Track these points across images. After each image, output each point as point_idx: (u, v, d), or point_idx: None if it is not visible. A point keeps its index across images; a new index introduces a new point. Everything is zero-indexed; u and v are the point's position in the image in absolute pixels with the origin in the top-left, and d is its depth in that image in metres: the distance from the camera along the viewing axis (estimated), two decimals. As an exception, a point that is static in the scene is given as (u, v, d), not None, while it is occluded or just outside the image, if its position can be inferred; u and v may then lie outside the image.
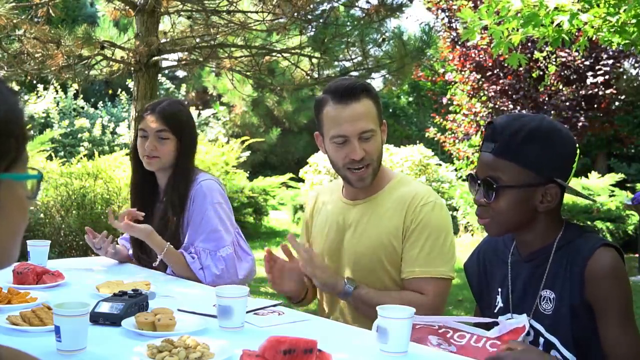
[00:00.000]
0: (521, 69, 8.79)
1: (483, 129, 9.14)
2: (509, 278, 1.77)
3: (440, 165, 11.27)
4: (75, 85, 11.06)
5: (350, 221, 2.18)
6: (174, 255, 2.48)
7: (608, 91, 9.25)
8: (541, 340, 1.68)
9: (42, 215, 6.79)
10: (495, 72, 9.20)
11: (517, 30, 3.72)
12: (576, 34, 4.97)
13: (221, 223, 2.50)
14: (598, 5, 3.64)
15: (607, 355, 1.60)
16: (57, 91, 11.55)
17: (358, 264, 2.14)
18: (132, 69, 4.97)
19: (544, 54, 8.88)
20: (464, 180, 10.67)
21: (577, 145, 1.70)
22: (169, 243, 2.47)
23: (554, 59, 9.21)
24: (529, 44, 8.61)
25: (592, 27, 3.86)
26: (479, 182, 1.69)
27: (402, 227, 2.09)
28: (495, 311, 1.81)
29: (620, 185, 9.33)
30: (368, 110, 2.07)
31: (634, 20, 3.65)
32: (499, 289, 1.80)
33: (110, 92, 14.76)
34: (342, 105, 2.06)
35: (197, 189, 2.51)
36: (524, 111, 8.70)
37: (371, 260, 2.11)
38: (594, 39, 4.12)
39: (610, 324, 1.59)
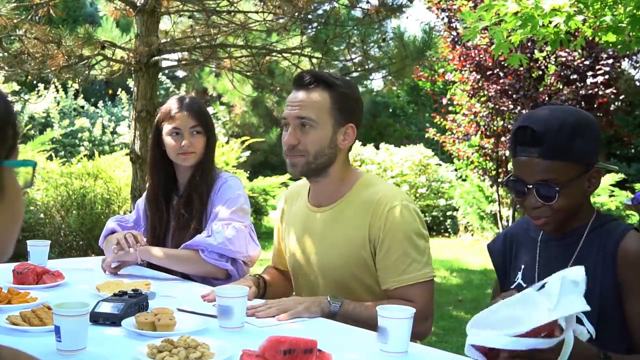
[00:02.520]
0: (521, 68, 8.78)
1: (486, 130, 8.95)
2: (537, 256, 1.81)
3: (440, 165, 11.27)
4: (76, 85, 11.06)
5: (316, 231, 2.11)
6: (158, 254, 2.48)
7: (608, 91, 9.23)
8: None
9: (42, 215, 6.80)
10: (495, 71, 9.17)
11: (517, 31, 3.72)
12: (575, 34, 4.97)
13: (238, 207, 2.51)
14: (593, 6, 3.64)
15: (632, 331, 1.65)
16: (57, 91, 11.54)
17: (329, 277, 2.07)
18: (132, 69, 4.97)
19: (544, 54, 8.86)
20: (463, 180, 10.67)
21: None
22: (140, 245, 2.45)
23: (554, 59, 9.20)
24: (529, 44, 8.60)
25: (590, 27, 3.85)
26: (528, 187, 1.69)
27: (369, 237, 2.00)
28: (512, 287, 1.83)
29: (620, 185, 9.33)
30: (317, 101, 2.02)
31: (628, 19, 3.64)
32: (522, 266, 1.83)
33: (110, 92, 14.75)
34: (294, 90, 2.08)
35: (222, 183, 2.55)
36: (524, 111, 8.69)
37: (343, 274, 2.04)
38: (591, 38, 4.12)
39: (638, 301, 1.64)
